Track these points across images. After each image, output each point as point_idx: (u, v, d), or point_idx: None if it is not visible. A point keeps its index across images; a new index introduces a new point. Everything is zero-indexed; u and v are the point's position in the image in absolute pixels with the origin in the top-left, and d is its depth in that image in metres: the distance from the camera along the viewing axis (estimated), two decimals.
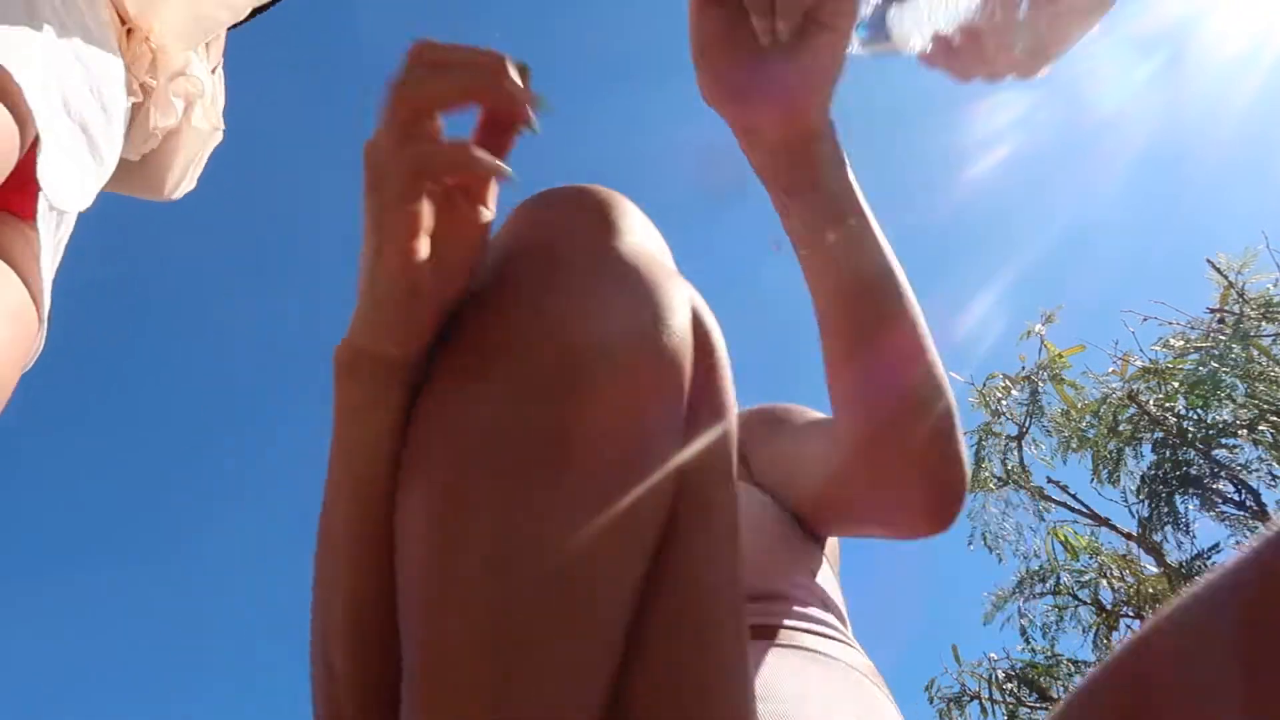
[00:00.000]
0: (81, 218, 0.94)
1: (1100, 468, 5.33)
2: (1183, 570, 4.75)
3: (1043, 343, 5.69)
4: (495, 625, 0.36)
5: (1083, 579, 5.36)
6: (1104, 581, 5.24)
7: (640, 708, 0.39)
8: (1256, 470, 4.84)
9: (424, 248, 0.41)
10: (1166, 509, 5.10)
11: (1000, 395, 5.89)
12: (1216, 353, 4.81)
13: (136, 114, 1.02)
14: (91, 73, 0.87)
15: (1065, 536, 5.48)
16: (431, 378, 0.43)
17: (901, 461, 0.60)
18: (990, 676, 5.31)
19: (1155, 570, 5.00)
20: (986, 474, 5.96)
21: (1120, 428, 5.23)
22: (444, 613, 0.37)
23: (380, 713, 0.42)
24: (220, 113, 1.13)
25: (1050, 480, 5.64)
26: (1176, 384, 4.98)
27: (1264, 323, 4.73)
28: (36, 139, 0.78)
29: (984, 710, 5.22)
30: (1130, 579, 5.13)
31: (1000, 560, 5.81)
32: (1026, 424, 5.76)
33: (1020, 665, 5.34)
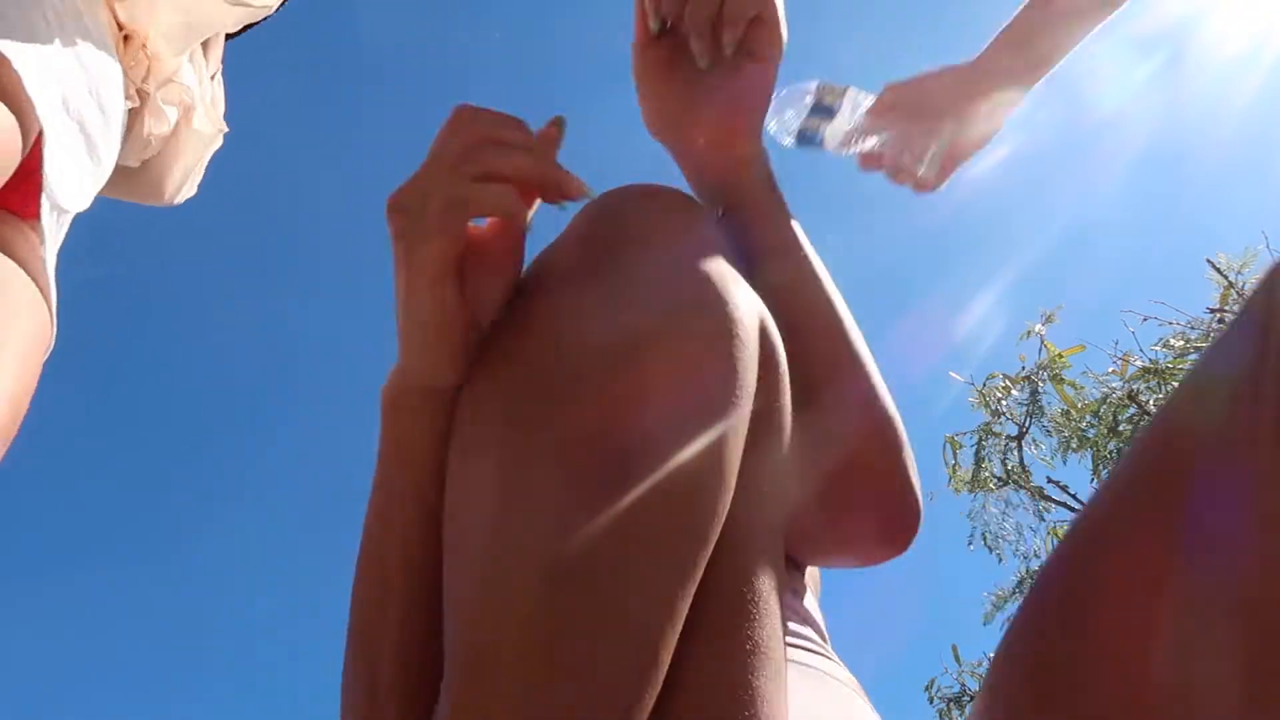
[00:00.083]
0: (80, 217, 0.94)
1: (1100, 468, 5.33)
2: None
3: (1043, 343, 5.70)
4: (545, 634, 0.35)
5: None
6: None
7: None
8: None
9: (455, 281, 0.42)
10: None
11: (1000, 395, 5.89)
12: None
13: (134, 121, 1.02)
14: (90, 74, 0.87)
15: None
16: (483, 374, 0.42)
17: (858, 494, 0.61)
18: None
19: None
20: (986, 474, 5.96)
21: (1120, 428, 5.23)
22: (494, 618, 0.36)
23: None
24: (221, 116, 1.13)
25: (1050, 480, 5.64)
26: (1177, 384, 4.97)
27: None
28: (40, 135, 0.78)
29: None
30: None
31: (1000, 560, 5.81)
32: (1026, 424, 5.76)
33: None
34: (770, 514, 0.44)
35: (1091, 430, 5.36)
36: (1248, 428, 0.30)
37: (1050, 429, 5.63)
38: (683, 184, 0.69)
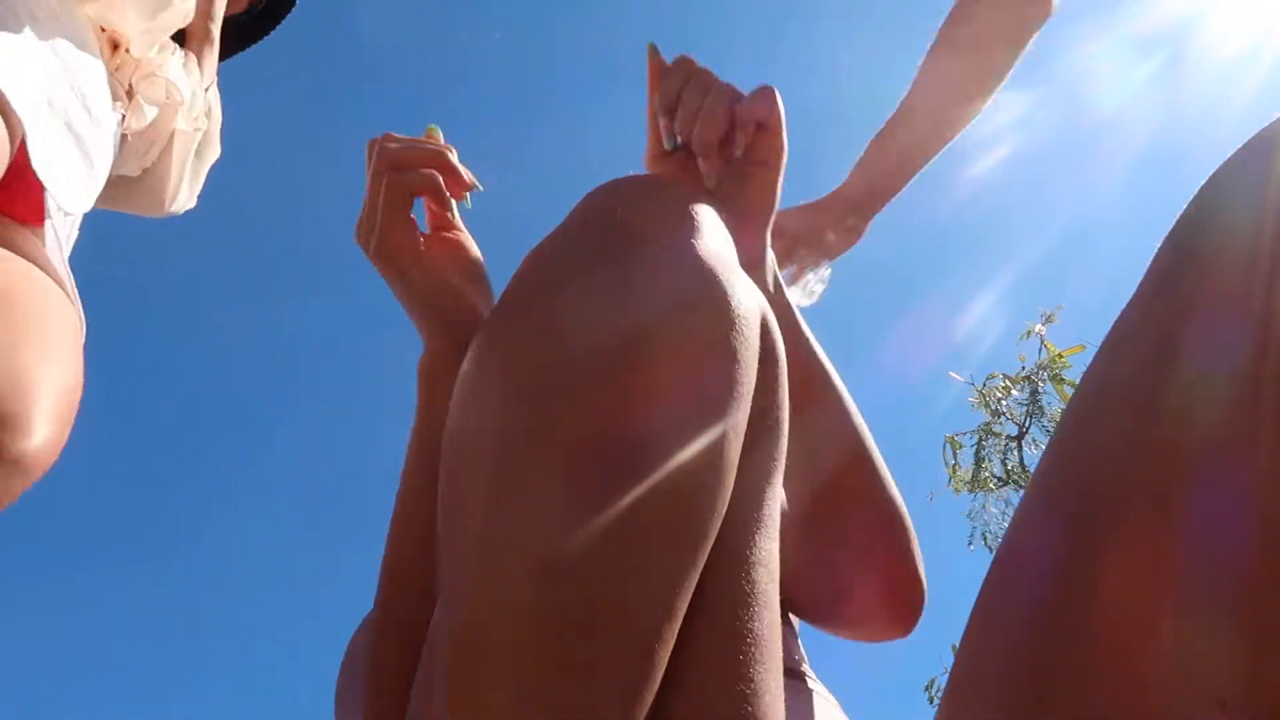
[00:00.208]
0: (80, 218, 0.93)
1: None
2: None
3: (1043, 343, 5.70)
4: (543, 631, 0.35)
5: None
6: None
7: None
8: None
9: (416, 262, 0.61)
10: None
11: (1000, 395, 5.89)
12: None
13: (125, 128, 1.01)
14: (72, 73, 0.85)
15: None
16: (480, 367, 0.42)
17: (867, 578, 0.65)
18: None
19: None
20: (986, 474, 5.96)
21: None
22: (490, 614, 0.36)
23: None
24: (204, 115, 1.11)
25: None
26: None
27: None
28: (23, 138, 0.77)
29: None
30: None
31: None
32: (1026, 424, 5.77)
33: None
34: (768, 508, 0.44)
35: None
36: (1248, 428, 0.30)
37: (1050, 429, 5.63)
38: None
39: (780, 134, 0.65)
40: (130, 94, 0.98)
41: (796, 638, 0.69)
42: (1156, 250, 0.36)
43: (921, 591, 0.66)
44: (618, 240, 0.43)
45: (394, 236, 0.61)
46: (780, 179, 0.67)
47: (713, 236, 0.45)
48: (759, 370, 0.43)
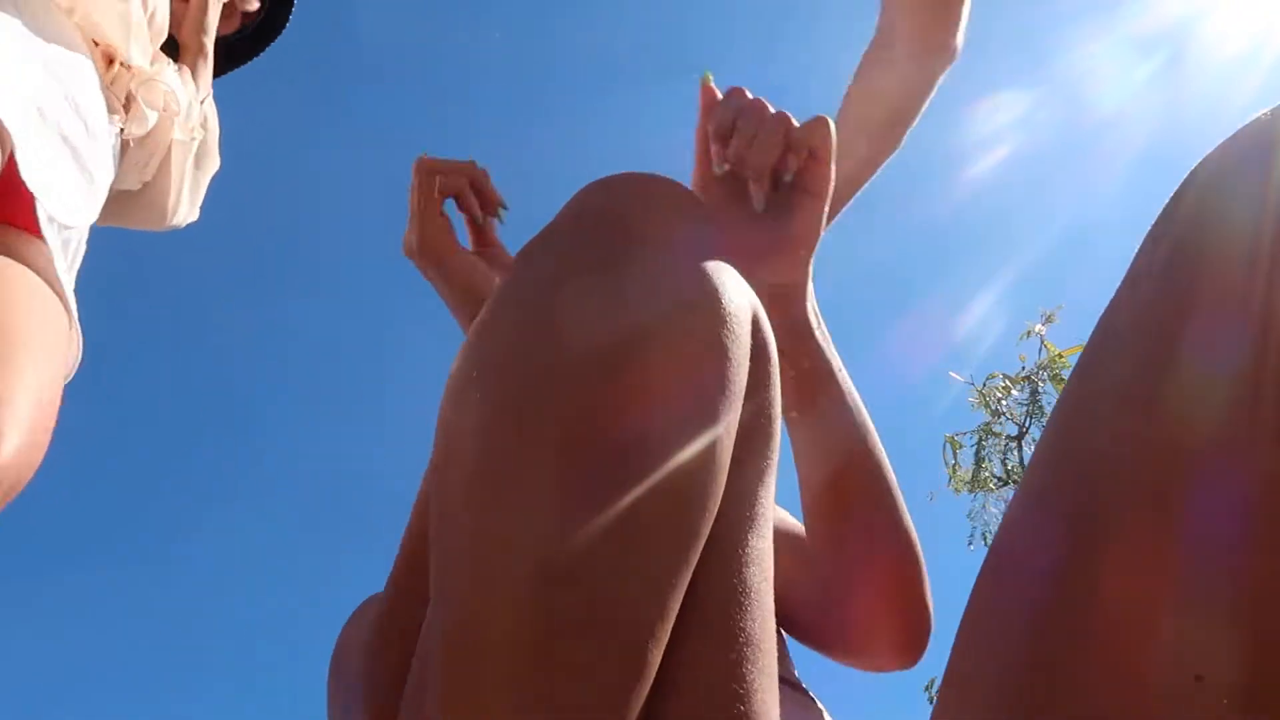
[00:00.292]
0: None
1: None
2: None
3: (1043, 343, 5.70)
4: (536, 630, 0.35)
5: None
6: None
7: None
8: None
9: (456, 259, 0.74)
10: None
11: (1000, 395, 5.90)
12: None
13: (127, 140, 1.01)
14: (64, 84, 0.85)
15: None
16: (474, 366, 0.42)
17: (874, 609, 0.67)
18: None
19: None
20: (986, 474, 5.97)
21: None
22: (484, 614, 0.36)
23: None
24: (200, 126, 1.10)
25: None
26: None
27: None
28: (12, 150, 0.75)
29: None
30: None
31: None
32: (1026, 424, 5.77)
33: None
34: (762, 506, 0.44)
35: None
36: (1248, 428, 0.30)
37: None
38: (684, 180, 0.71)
39: (830, 164, 0.67)
40: (128, 105, 0.98)
41: (785, 645, 0.69)
42: (1141, 243, 0.36)
43: (929, 625, 0.67)
44: (609, 238, 0.43)
45: (429, 229, 0.71)
46: (825, 207, 0.69)
47: (704, 236, 0.45)
48: (751, 368, 0.43)
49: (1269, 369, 0.29)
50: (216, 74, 1.27)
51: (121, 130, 0.99)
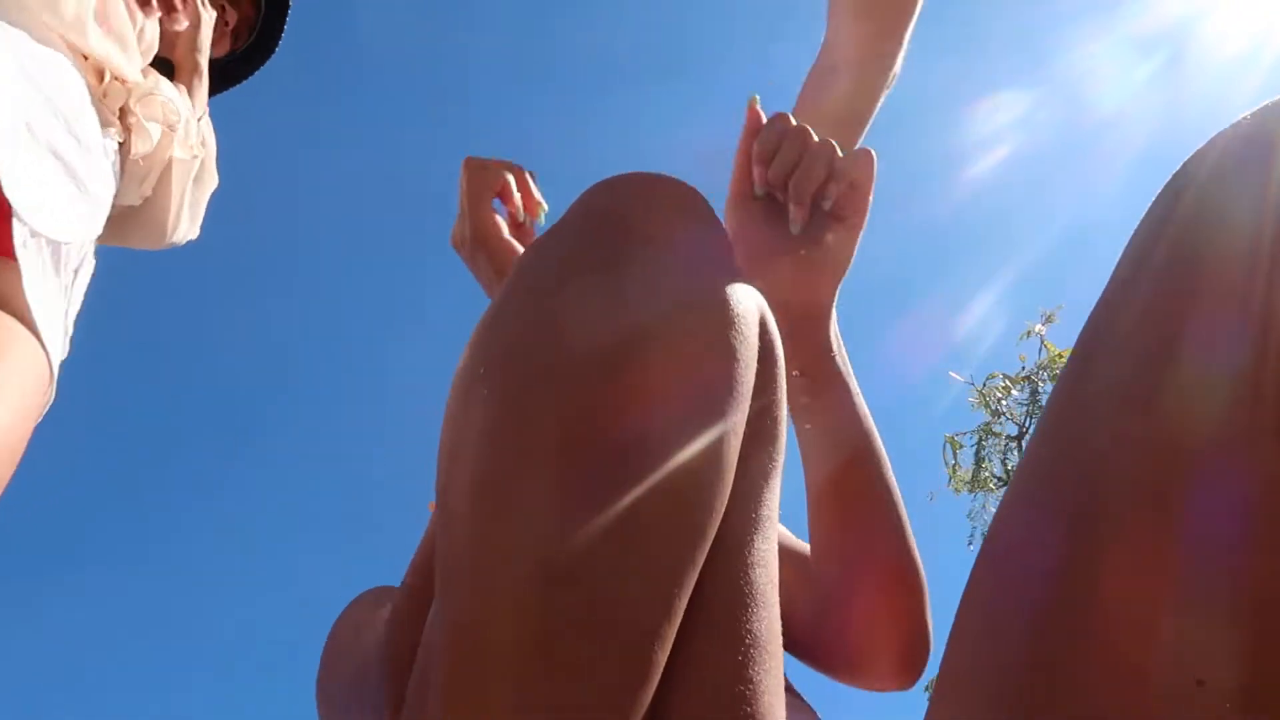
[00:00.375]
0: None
1: None
2: None
3: (1043, 343, 5.70)
4: (539, 631, 0.34)
5: None
6: None
7: None
8: None
9: (507, 250, 0.75)
10: None
11: (1000, 395, 5.90)
12: None
13: (126, 154, 1.01)
14: (53, 101, 0.85)
15: None
16: (477, 367, 0.41)
17: (874, 630, 0.67)
18: None
19: None
20: (986, 474, 5.96)
21: None
22: (487, 615, 0.36)
23: None
24: (200, 143, 1.10)
25: None
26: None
27: None
28: None
29: None
30: None
31: None
32: (1026, 424, 5.77)
33: None
34: (768, 507, 0.44)
35: None
36: (1248, 428, 0.30)
37: None
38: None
39: (869, 195, 0.69)
40: (124, 119, 0.98)
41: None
42: (1132, 239, 0.36)
43: (929, 647, 0.67)
44: (614, 238, 0.43)
45: (481, 221, 0.75)
46: (859, 236, 0.71)
47: (710, 237, 0.45)
48: (758, 369, 0.43)
49: (1269, 369, 0.29)
50: (210, 94, 1.28)
51: (120, 144, 0.98)
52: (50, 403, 0.87)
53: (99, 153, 0.92)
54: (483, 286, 0.77)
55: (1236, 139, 0.35)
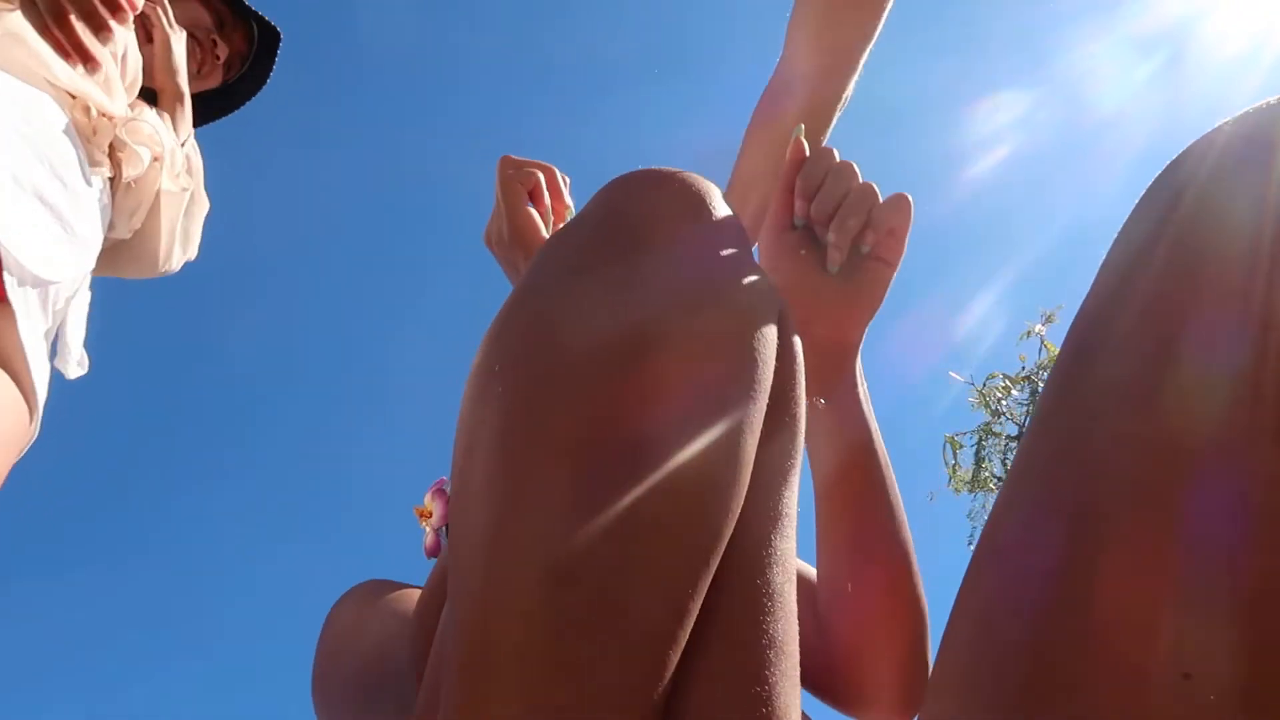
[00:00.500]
0: None
1: None
2: None
3: (1043, 343, 5.70)
4: (548, 633, 0.34)
5: None
6: None
7: None
8: None
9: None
10: None
11: (1000, 395, 5.90)
12: None
13: (116, 188, 1.02)
14: (35, 146, 0.85)
15: None
16: (490, 367, 0.41)
17: (878, 667, 0.68)
18: None
19: None
20: (986, 474, 5.96)
21: None
22: (496, 617, 0.35)
23: None
24: (189, 174, 1.11)
25: None
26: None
27: None
28: None
29: None
30: None
31: None
32: (1026, 424, 5.76)
33: None
34: (785, 505, 0.43)
35: None
36: (1248, 428, 0.30)
37: None
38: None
39: (905, 240, 0.71)
40: (114, 154, 0.99)
41: None
42: (1122, 234, 0.36)
43: (927, 679, 0.68)
44: (632, 235, 0.42)
45: (519, 219, 0.76)
46: (892, 277, 0.72)
47: (729, 232, 0.44)
48: (777, 365, 0.42)
49: (1269, 369, 0.29)
50: (201, 124, 1.29)
51: (111, 179, 0.99)
52: (33, 440, 0.88)
53: (85, 194, 0.92)
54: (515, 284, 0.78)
55: (1237, 139, 0.35)
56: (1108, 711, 0.29)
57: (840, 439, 0.71)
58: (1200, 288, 0.32)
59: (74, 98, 0.93)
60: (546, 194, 0.78)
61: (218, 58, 1.25)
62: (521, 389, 0.39)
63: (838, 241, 0.70)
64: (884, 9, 0.89)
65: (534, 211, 0.77)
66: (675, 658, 0.37)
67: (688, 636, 0.37)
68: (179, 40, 1.09)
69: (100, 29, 0.88)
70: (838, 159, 0.71)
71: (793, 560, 0.44)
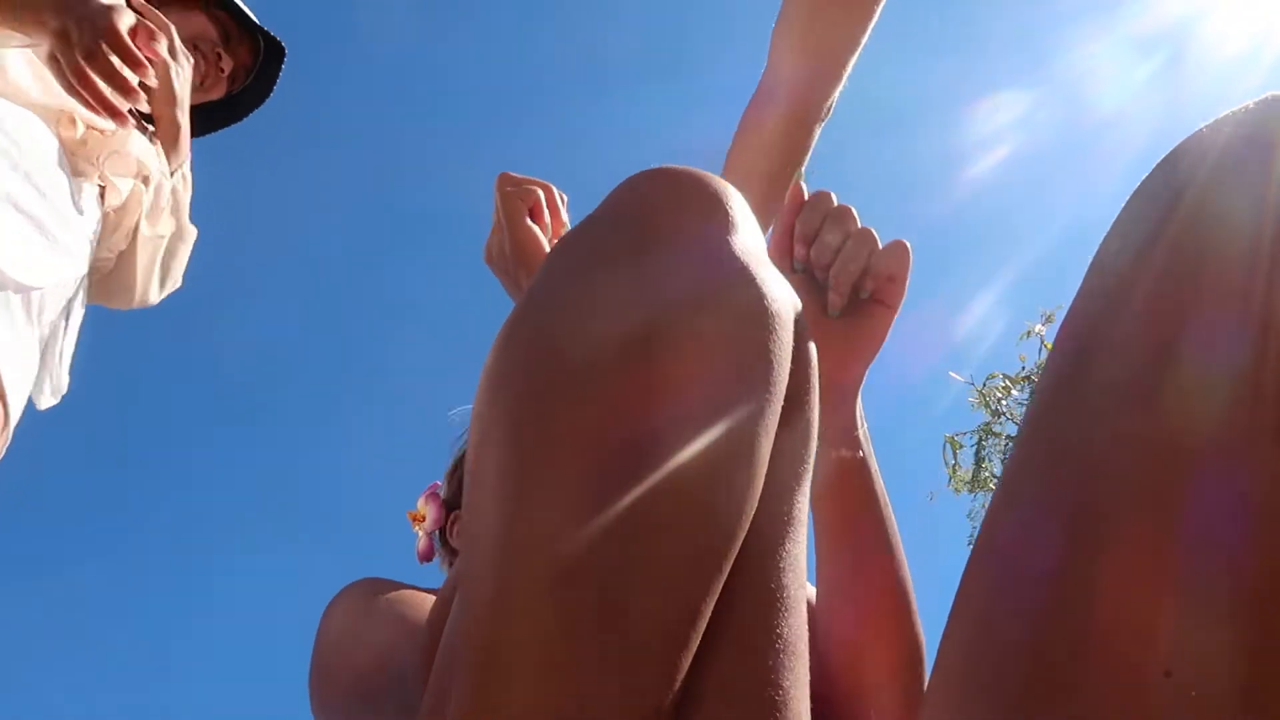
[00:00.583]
0: None
1: None
2: None
3: (1043, 343, 5.70)
4: (555, 635, 0.34)
5: None
6: None
7: None
8: None
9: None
10: None
11: (1000, 395, 5.90)
12: None
13: (105, 199, 1.03)
14: (14, 160, 0.86)
15: None
16: (500, 367, 0.41)
17: (878, 691, 0.69)
18: None
19: None
20: (986, 474, 5.97)
21: None
22: (504, 618, 0.35)
23: None
24: (173, 213, 1.12)
25: None
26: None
27: None
28: None
29: None
30: None
31: None
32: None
33: None
34: (798, 508, 0.43)
35: None
36: (1248, 428, 0.30)
37: None
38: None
39: (905, 285, 0.72)
40: (106, 179, 0.99)
41: None
42: (1125, 216, 0.36)
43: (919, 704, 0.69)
44: (645, 235, 0.42)
45: (520, 234, 0.75)
46: (892, 320, 0.73)
47: (745, 232, 0.43)
48: (791, 368, 0.42)
49: (1269, 369, 0.29)
50: (209, 131, 1.31)
51: (103, 189, 1.00)
52: (7, 445, 0.88)
53: (66, 203, 0.93)
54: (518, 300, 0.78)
55: (1237, 139, 0.35)
56: (1107, 712, 0.29)
57: (839, 482, 0.71)
58: (1200, 288, 0.32)
59: (60, 112, 0.94)
60: (546, 211, 0.78)
61: (222, 70, 1.26)
62: (534, 389, 0.39)
63: (837, 287, 0.70)
64: (872, 14, 0.89)
65: (535, 227, 0.76)
66: (687, 660, 0.37)
67: (700, 640, 0.37)
68: (184, 70, 1.09)
69: (125, 90, 0.89)
70: (835, 203, 0.72)
71: (803, 562, 0.43)
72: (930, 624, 0.68)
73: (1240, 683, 0.27)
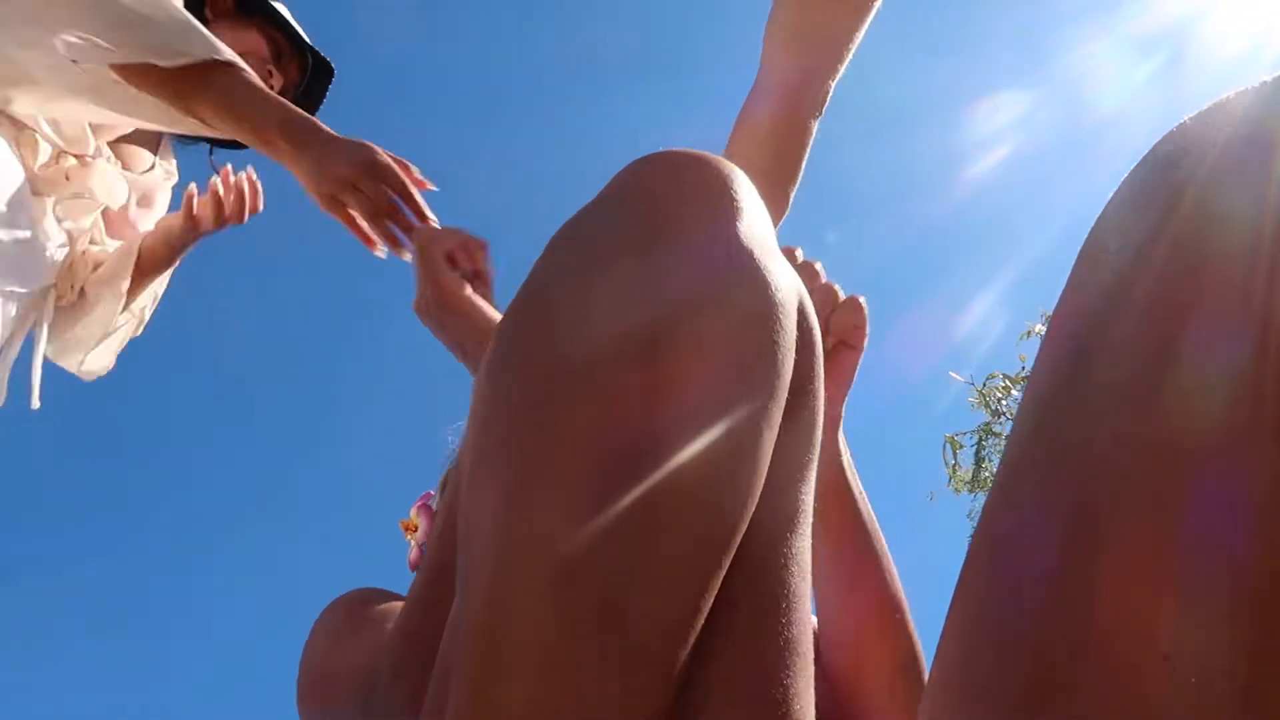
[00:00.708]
0: None
1: None
2: None
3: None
4: (554, 635, 0.34)
5: None
6: None
7: None
8: None
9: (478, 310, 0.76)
10: None
11: (1000, 395, 5.90)
12: None
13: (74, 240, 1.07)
14: None
15: None
16: (499, 364, 0.40)
17: (877, 694, 0.69)
18: None
19: None
20: (986, 474, 5.96)
21: None
22: (502, 619, 0.35)
23: None
24: (144, 309, 1.19)
25: None
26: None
27: None
28: None
29: None
30: None
31: None
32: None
33: None
34: (802, 503, 0.42)
35: None
36: (1248, 428, 0.30)
37: None
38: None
39: (865, 331, 0.76)
40: (69, 181, 1.03)
41: None
42: (1120, 208, 0.36)
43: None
44: (649, 224, 0.41)
45: (442, 283, 0.78)
46: (859, 359, 0.77)
47: (751, 218, 0.42)
48: (796, 359, 0.41)
49: (1269, 369, 0.29)
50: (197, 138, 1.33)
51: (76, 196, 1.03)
52: None
53: (25, 210, 0.96)
54: (453, 350, 0.78)
55: (1237, 139, 0.35)
56: (1107, 712, 0.29)
57: (827, 520, 0.72)
58: (1201, 288, 0.32)
59: (23, 127, 0.98)
60: (466, 258, 0.82)
61: (271, 87, 1.28)
62: (534, 382, 0.38)
63: None
64: (867, 12, 0.88)
65: (455, 274, 0.80)
66: (684, 656, 0.36)
67: (700, 636, 0.37)
68: (127, 258, 1.13)
69: (406, 229, 0.97)
70: (800, 259, 0.75)
71: (808, 558, 0.43)
72: (930, 624, 0.68)
73: (1240, 682, 0.27)
